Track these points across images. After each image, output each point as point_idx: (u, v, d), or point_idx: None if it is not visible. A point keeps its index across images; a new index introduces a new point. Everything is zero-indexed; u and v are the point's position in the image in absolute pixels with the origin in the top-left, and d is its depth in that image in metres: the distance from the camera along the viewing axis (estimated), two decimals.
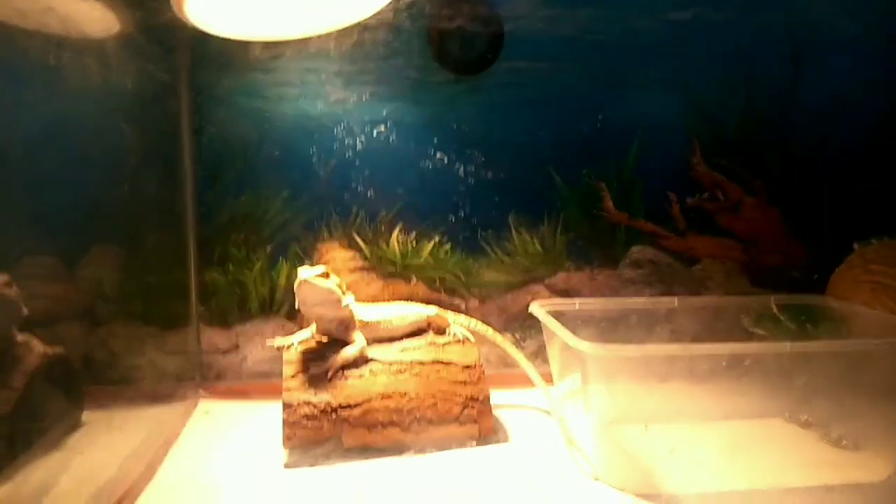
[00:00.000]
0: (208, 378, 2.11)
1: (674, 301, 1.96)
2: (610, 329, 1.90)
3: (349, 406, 1.63)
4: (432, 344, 1.81)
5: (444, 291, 2.18)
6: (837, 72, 2.11)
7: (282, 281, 2.12)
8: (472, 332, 1.88)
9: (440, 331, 1.87)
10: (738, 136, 2.25)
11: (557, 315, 1.75)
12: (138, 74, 1.79)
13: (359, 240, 2.14)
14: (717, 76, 2.20)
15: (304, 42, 1.99)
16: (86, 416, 1.72)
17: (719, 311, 2.00)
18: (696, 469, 1.46)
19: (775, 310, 2.01)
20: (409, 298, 2.11)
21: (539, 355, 2.19)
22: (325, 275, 1.62)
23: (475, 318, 1.93)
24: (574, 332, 1.56)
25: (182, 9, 1.56)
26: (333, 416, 1.61)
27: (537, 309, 1.79)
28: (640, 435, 1.45)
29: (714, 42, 2.14)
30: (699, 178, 2.24)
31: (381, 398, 1.65)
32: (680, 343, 1.45)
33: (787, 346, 1.45)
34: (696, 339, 1.99)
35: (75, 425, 1.70)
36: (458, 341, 1.82)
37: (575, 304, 1.89)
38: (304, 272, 1.59)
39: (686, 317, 1.99)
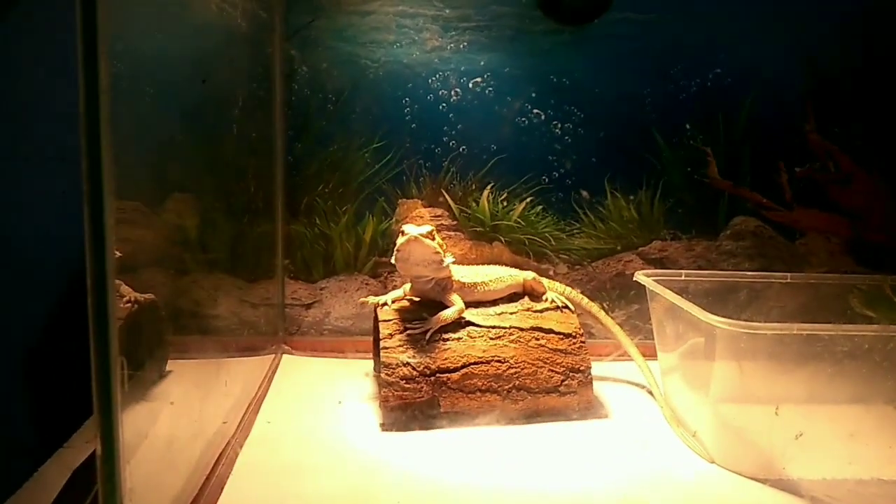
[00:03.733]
0: (292, 332, 2.07)
1: (786, 276, 1.85)
2: (717, 303, 1.80)
3: (448, 369, 1.57)
4: (529, 310, 1.74)
5: (532, 255, 2.09)
6: None
7: (367, 236, 2.05)
8: (567, 299, 1.80)
9: (536, 296, 1.79)
10: (856, 103, 2.08)
11: (660, 284, 1.66)
12: (235, 10, 1.70)
13: (448, 197, 2.05)
14: (836, 37, 2.02)
15: None
16: (170, 365, 1.70)
17: (827, 289, 1.88)
18: (820, 455, 1.37)
19: (888, 290, 1.88)
20: (496, 261, 2.04)
21: (626, 326, 2.10)
22: (431, 234, 1.54)
23: (562, 283, 1.85)
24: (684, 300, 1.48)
25: None
26: (432, 378, 1.55)
27: (645, 278, 1.70)
28: (766, 417, 1.36)
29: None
30: (811, 146, 2.09)
31: (481, 363, 1.59)
32: (817, 323, 1.34)
33: None
34: (808, 317, 1.88)
35: (162, 374, 1.68)
36: (556, 308, 1.75)
37: (681, 274, 1.79)
38: (412, 229, 1.52)
39: (793, 293, 1.88)
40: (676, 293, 1.59)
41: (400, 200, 2.07)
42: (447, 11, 1.94)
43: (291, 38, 1.94)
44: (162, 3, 1.43)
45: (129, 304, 1.55)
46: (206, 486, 1.27)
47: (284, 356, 2.00)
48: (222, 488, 1.27)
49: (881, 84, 2.09)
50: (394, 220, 2.06)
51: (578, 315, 1.76)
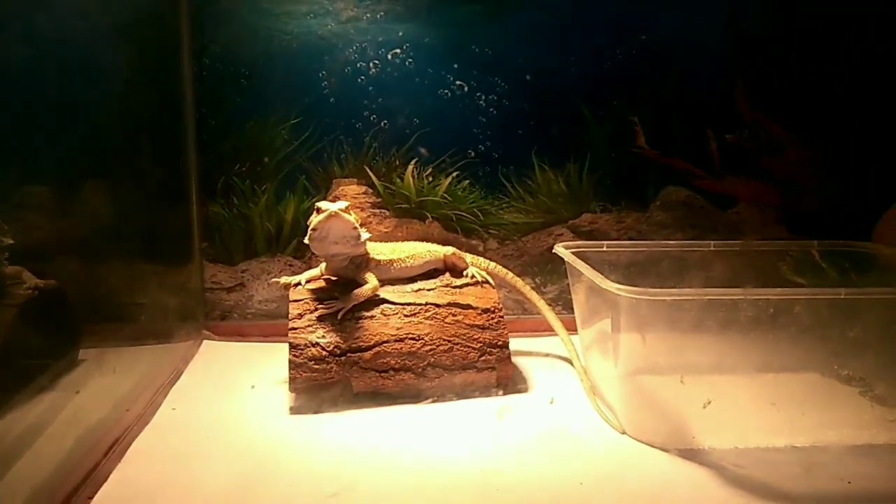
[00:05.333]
0: (212, 317, 2.01)
1: (708, 245, 1.82)
2: (639, 274, 1.77)
3: (359, 349, 1.52)
4: (448, 286, 1.69)
5: (461, 231, 2.04)
6: None
7: (289, 216, 1.99)
8: (491, 275, 1.76)
9: (457, 272, 1.75)
10: (785, 68, 2.05)
11: (583, 258, 1.62)
12: None
13: (371, 174, 2.00)
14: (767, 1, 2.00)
15: None
16: (83, 353, 1.63)
17: (756, 258, 1.86)
18: (730, 424, 1.35)
19: (816, 256, 1.87)
20: (424, 238, 1.99)
21: (559, 301, 2.07)
22: (348, 210, 1.48)
23: (493, 260, 1.81)
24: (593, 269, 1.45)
25: None
26: (342, 359, 1.51)
27: (562, 251, 1.66)
28: (672, 387, 1.34)
29: None
30: (741, 113, 2.06)
31: (394, 341, 1.54)
32: (721, 288, 1.32)
33: (841, 293, 1.32)
34: (733, 285, 1.86)
35: (72, 363, 1.61)
36: (476, 283, 1.71)
37: (602, 245, 1.76)
38: (329, 205, 1.46)
39: (721, 263, 1.85)
40: (598, 265, 1.56)
41: (335, 180, 2.01)
42: None
43: (199, 10, 1.86)
44: None
45: (29, 291, 1.49)
46: (90, 475, 1.21)
47: (205, 342, 1.94)
48: (108, 477, 1.21)
49: (810, 47, 2.07)
50: (324, 197, 2.01)
51: (506, 291, 1.73)
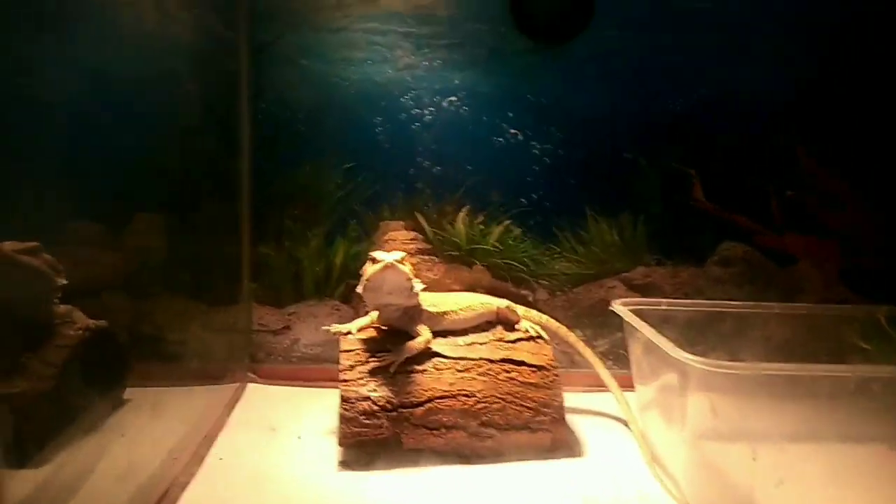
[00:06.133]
0: (258, 359, 1.99)
1: (772, 307, 1.76)
2: (698, 333, 1.71)
3: (411, 405, 1.48)
4: (501, 340, 1.65)
5: (511, 280, 2.01)
6: None
7: (338, 260, 1.98)
8: (543, 328, 1.72)
9: (509, 325, 1.71)
10: (847, 125, 2.00)
11: (639, 315, 1.57)
12: (196, 27, 1.64)
13: (422, 220, 1.98)
14: (828, 54, 1.95)
15: (373, 0, 1.83)
16: (129, 393, 1.62)
17: (820, 321, 1.79)
18: (801, 498, 1.28)
19: (884, 322, 1.79)
20: (473, 286, 1.95)
21: (610, 355, 2.01)
22: (403, 261, 1.46)
23: (543, 311, 1.77)
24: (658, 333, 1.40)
25: None
26: (394, 414, 1.47)
27: (621, 309, 1.61)
28: (743, 459, 1.27)
29: (826, 14, 1.89)
30: (802, 168, 2.00)
31: (446, 398, 1.50)
32: (807, 357, 1.26)
33: None
34: (796, 350, 1.79)
35: (118, 403, 1.59)
36: (530, 338, 1.66)
37: (661, 304, 1.70)
38: (384, 255, 1.44)
39: (783, 324, 1.79)
40: (657, 323, 1.51)
41: (382, 222, 2.00)
42: (419, 29, 1.87)
43: (257, 55, 1.88)
44: (116, 24, 1.38)
45: (80, 332, 1.48)
46: None
47: (249, 385, 1.91)
48: None
49: (872, 102, 2.01)
50: (374, 242, 1.99)
51: (556, 344, 1.68)
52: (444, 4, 1.89)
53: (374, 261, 1.46)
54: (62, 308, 1.48)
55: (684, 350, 1.26)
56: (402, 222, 2.01)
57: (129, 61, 1.44)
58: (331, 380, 1.90)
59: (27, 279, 1.34)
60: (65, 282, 1.43)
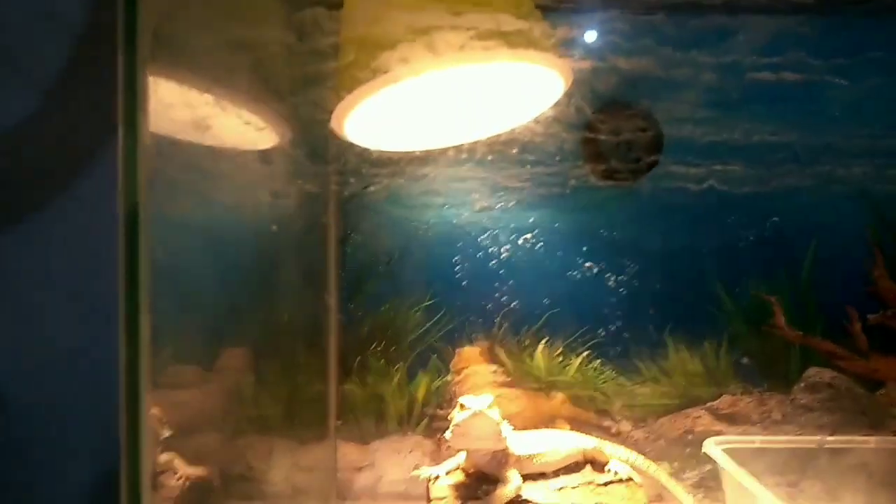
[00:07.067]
0: (343, 497, 2.01)
1: (869, 441, 1.70)
2: (795, 471, 1.65)
3: None
4: (591, 483, 1.63)
5: (593, 412, 2.00)
6: None
7: (420, 395, 2.02)
8: (632, 467, 1.69)
9: (598, 464, 1.69)
10: None
11: (731, 453, 1.54)
12: (292, 185, 1.79)
13: (502, 353, 2.02)
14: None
15: (452, 150, 1.96)
16: None
17: None
18: None
19: None
20: (554, 417, 1.95)
21: (700, 488, 1.95)
22: (491, 406, 1.49)
23: (627, 443, 1.74)
24: (752, 473, 1.36)
25: (341, 127, 1.55)
26: None
27: (715, 450, 1.58)
28: None
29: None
30: (882, 292, 1.97)
31: None
32: None
33: None
34: None
35: None
36: (621, 481, 1.63)
37: (754, 441, 1.66)
38: (473, 402, 1.47)
39: (884, 459, 1.71)
40: (751, 459, 1.49)
41: (458, 350, 2.05)
42: (494, 174, 1.99)
43: (345, 205, 2.02)
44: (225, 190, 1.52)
45: (181, 481, 1.53)
46: None
47: None
48: None
49: None
50: (452, 370, 2.03)
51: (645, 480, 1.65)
52: (519, 149, 2.00)
53: (462, 407, 1.49)
54: (163, 457, 1.54)
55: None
56: (478, 347, 2.05)
57: (238, 224, 1.57)
58: None
59: None
60: (169, 433, 1.51)
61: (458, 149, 1.77)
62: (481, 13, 0.90)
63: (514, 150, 1.91)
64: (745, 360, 2.01)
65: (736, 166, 1.98)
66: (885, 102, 1.86)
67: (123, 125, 0.85)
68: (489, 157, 1.92)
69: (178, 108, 1.02)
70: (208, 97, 1.11)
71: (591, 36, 1.64)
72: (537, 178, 2.01)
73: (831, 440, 1.70)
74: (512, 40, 0.94)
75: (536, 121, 1.60)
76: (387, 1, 1.00)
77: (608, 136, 1.87)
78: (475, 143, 1.69)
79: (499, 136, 1.66)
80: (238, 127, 1.57)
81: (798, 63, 1.48)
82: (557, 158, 2.00)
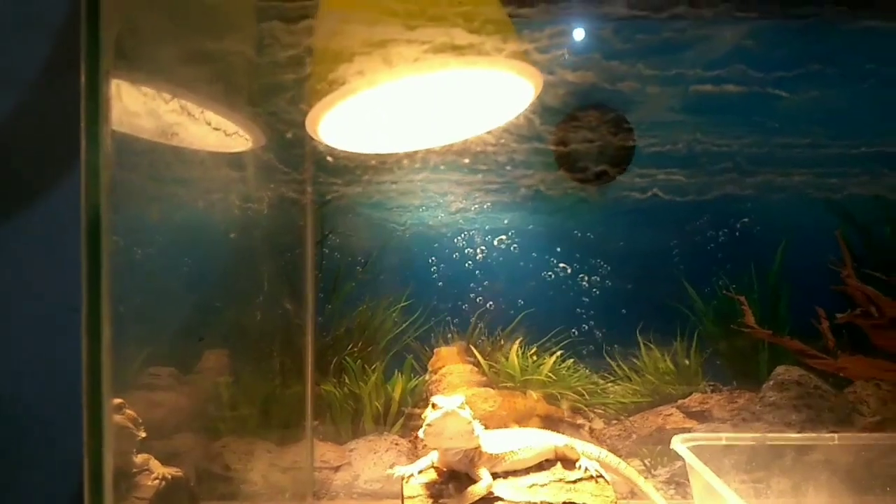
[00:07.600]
0: (320, 496, 2.03)
1: (833, 438, 1.74)
2: (761, 468, 1.69)
3: None
4: (562, 480, 1.66)
5: (566, 410, 2.03)
6: None
7: (396, 395, 2.04)
8: (603, 465, 1.72)
9: (569, 462, 1.72)
10: (894, 245, 2.03)
11: (699, 450, 1.57)
12: (265, 189, 1.81)
13: (477, 353, 2.05)
14: (869, 180, 2.00)
15: (427, 153, 1.98)
16: None
17: (887, 451, 1.75)
18: None
19: None
20: (527, 415, 1.98)
21: (671, 484, 1.99)
22: (464, 405, 1.51)
23: (600, 441, 1.78)
24: (719, 470, 1.39)
25: (316, 130, 1.57)
26: None
27: (682, 447, 1.61)
28: None
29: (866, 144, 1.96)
30: (850, 292, 2.02)
31: None
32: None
33: None
34: (860, 485, 1.75)
35: None
36: (591, 478, 1.67)
37: (721, 438, 1.70)
38: (445, 401, 1.50)
39: (845, 455, 1.75)
40: (718, 456, 1.52)
41: (436, 350, 2.07)
42: (470, 177, 2.01)
43: (321, 208, 2.04)
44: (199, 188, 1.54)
45: (156, 482, 1.55)
46: None
47: None
48: None
49: None
50: (429, 369, 2.06)
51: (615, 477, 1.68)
52: (492, 152, 2.03)
53: (434, 406, 1.52)
54: (139, 458, 1.55)
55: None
56: (455, 347, 2.08)
57: (208, 227, 1.59)
58: None
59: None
60: (144, 435, 1.51)
61: (430, 151, 1.80)
62: (436, 27, 0.93)
63: (487, 153, 1.94)
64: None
65: (702, 169, 2.02)
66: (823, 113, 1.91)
67: (86, 132, 0.86)
68: (464, 159, 1.95)
69: (144, 115, 1.04)
70: (175, 104, 1.13)
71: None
72: (512, 181, 2.04)
73: (796, 437, 1.74)
74: (464, 53, 0.96)
75: (489, 132, 1.63)
76: (345, 17, 1.03)
77: (577, 139, 1.90)
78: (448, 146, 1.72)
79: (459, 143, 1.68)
80: (207, 133, 1.59)
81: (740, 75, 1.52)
82: (532, 162, 2.03)
